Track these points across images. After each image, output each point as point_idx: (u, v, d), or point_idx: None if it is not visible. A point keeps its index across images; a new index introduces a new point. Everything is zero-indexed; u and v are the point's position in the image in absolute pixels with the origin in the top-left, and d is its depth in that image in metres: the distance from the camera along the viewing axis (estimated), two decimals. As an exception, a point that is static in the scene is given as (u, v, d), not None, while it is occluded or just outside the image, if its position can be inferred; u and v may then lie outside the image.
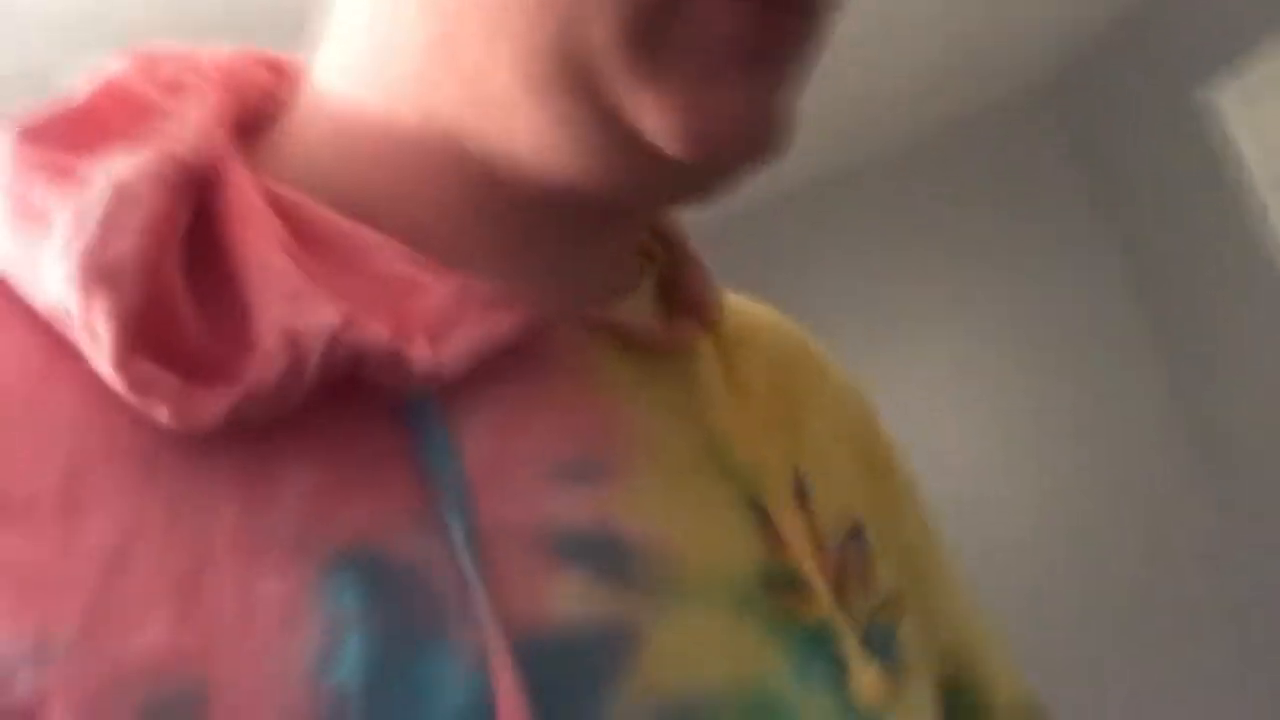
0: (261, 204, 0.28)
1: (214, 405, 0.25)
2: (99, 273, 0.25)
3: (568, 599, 0.28)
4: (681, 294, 0.38)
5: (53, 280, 0.25)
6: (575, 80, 0.28)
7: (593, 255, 0.34)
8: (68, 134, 0.28)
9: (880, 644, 0.37)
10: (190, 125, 0.29)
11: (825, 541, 0.37)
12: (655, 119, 0.28)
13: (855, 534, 0.39)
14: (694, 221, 3.39)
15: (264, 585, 0.25)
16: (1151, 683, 3.10)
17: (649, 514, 0.31)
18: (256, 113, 0.34)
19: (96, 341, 0.25)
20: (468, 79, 0.29)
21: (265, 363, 0.25)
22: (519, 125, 0.29)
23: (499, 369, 0.30)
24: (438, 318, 0.28)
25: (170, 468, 0.25)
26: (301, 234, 0.29)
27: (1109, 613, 3.17)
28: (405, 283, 0.29)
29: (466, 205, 0.31)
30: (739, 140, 0.29)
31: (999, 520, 3.28)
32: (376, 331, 0.27)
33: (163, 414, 0.25)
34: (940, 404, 3.36)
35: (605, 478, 0.31)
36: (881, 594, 0.39)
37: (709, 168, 0.30)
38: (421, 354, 0.27)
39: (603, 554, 0.29)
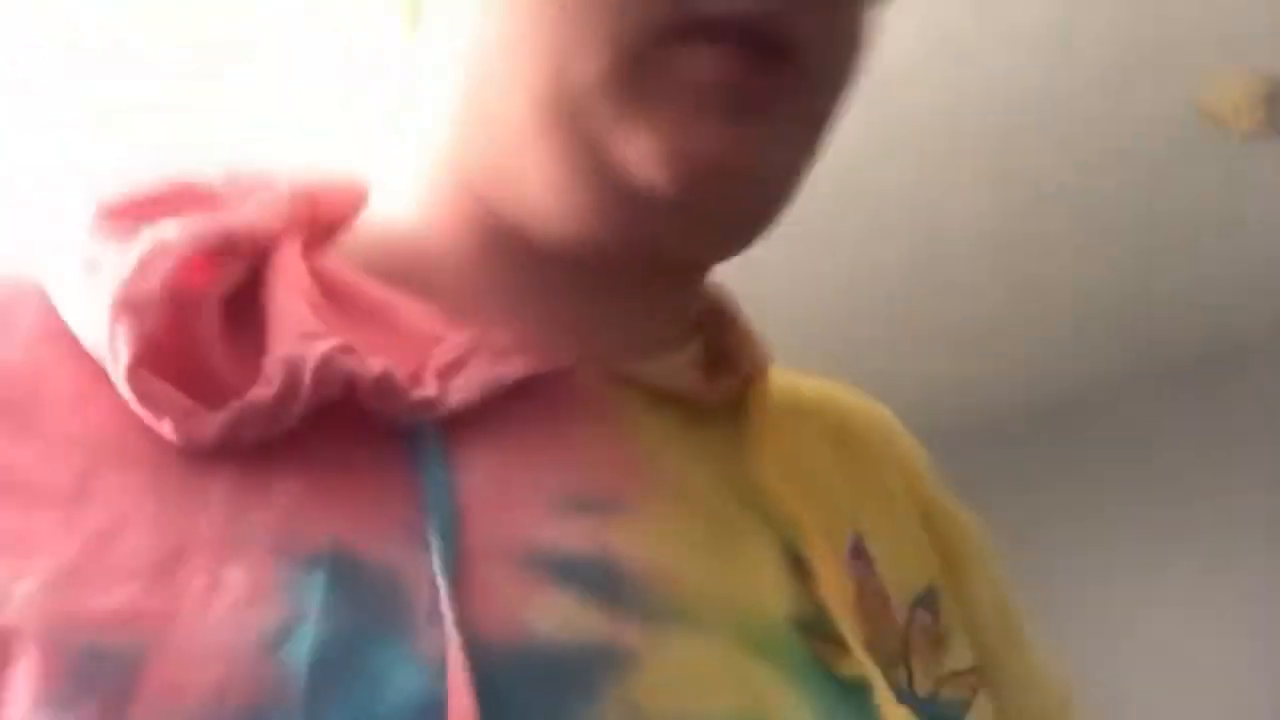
0: (302, 270, 0.33)
1: (213, 422, 0.29)
2: (125, 304, 0.30)
3: (550, 616, 0.29)
4: (726, 358, 0.40)
5: (96, 312, 0.30)
6: (571, 117, 0.31)
7: (617, 310, 0.36)
8: (136, 209, 0.33)
9: (945, 716, 0.37)
10: (247, 209, 0.34)
11: (890, 604, 0.38)
12: (637, 153, 0.31)
13: (925, 601, 0.40)
14: (943, 430, 3.02)
15: (234, 573, 0.27)
16: None
17: (657, 546, 0.32)
18: (334, 218, 0.39)
19: (116, 361, 0.29)
20: (492, 129, 0.33)
21: (263, 385, 0.29)
22: (529, 165, 0.32)
23: (514, 411, 0.33)
24: (450, 360, 0.32)
25: (175, 474, 0.29)
26: (336, 297, 0.34)
27: None
28: (427, 335, 0.33)
29: (491, 264, 0.35)
30: (717, 180, 0.31)
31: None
32: (371, 361, 0.30)
33: (167, 427, 0.29)
34: (1192, 618, 3.06)
35: (612, 511, 0.32)
36: (953, 665, 0.39)
37: (691, 209, 0.31)
38: (423, 386, 0.31)
39: (596, 577, 0.30)
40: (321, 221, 0.38)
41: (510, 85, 0.33)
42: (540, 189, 0.33)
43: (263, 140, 1.37)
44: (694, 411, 0.37)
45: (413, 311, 0.34)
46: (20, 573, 0.27)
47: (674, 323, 0.39)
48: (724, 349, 0.40)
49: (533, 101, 0.32)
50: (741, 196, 0.32)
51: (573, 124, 0.31)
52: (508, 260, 0.35)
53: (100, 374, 0.31)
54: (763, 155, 0.31)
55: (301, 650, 0.26)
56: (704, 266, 0.36)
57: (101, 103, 1.33)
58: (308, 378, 0.29)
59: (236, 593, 0.27)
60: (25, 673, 0.26)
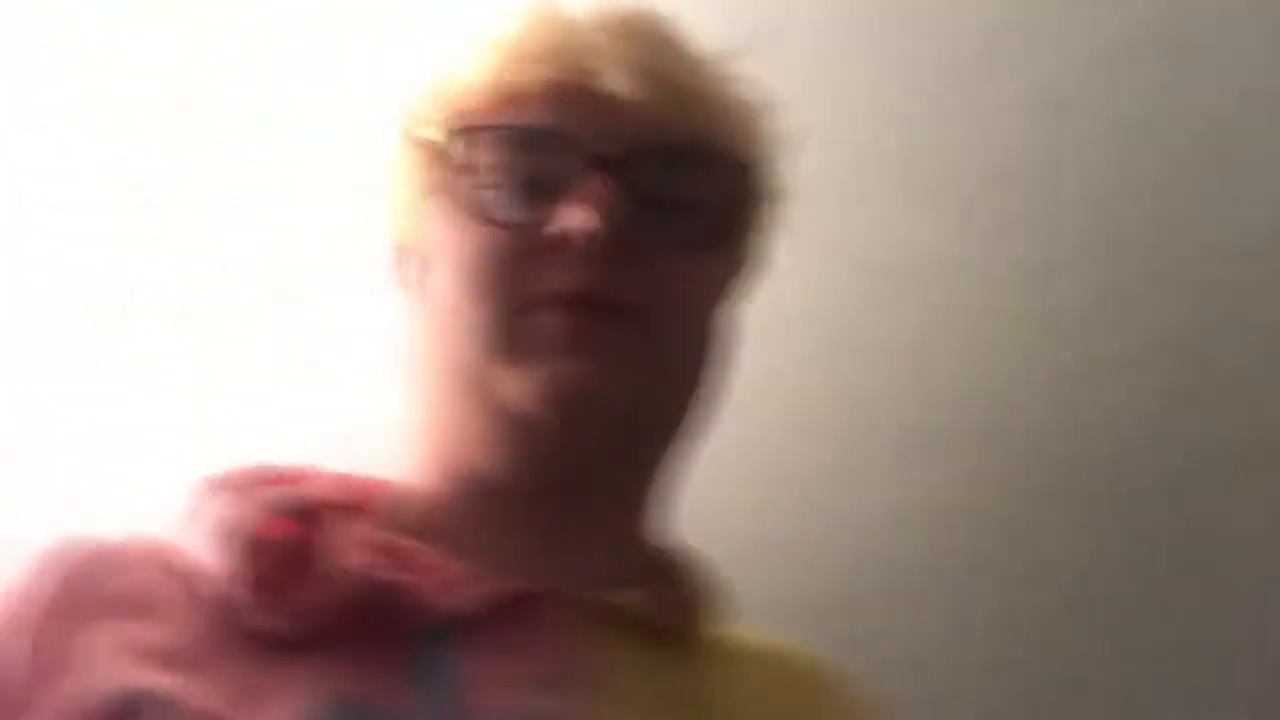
0: (347, 526, 0.48)
1: (280, 613, 0.44)
2: (230, 536, 0.46)
3: None
4: (680, 594, 0.52)
5: (210, 542, 0.47)
6: (471, 378, 0.48)
7: (570, 539, 0.49)
8: (237, 482, 0.50)
9: None
10: (311, 486, 0.51)
11: None
12: (513, 391, 0.46)
13: None
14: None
15: (278, 705, 0.42)
16: None
17: (612, 716, 0.44)
18: (370, 495, 0.53)
19: (220, 572, 0.46)
20: (446, 417, 0.51)
21: (320, 587, 0.45)
22: (459, 418, 0.49)
23: (500, 620, 0.45)
24: (449, 582, 0.45)
25: (254, 645, 0.44)
26: (369, 545, 0.47)
27: None
28: (434, 567, 0.46)
29: (472, 510, 0.50)
30: (570, 399, 0.45)
31: None
32: (396, 574, 0.45)
33: (253, 617, 0.45)
34: None
35: (578, 691, 0.44)
36: None
37: (556, 426, 0.46)
38: (431, 597, 0.45)
39: None
40: (362, 497, 0.53)
41: (438, 367, 0.50)
42: (466, 433, 0.49)
43: (263, 140, 1.37)
44: (651, 636, 0.49)
45: (423, 552, 0.47)
46: (153, 683, 0.42)
47: (629, 557, 0.52)
48: (680, 588, 0.53)
49: (450, 374, 0.49)
50: (590, 411, 0.46)
51: (472, 383, 0.48)
52: (481, 504, 0.50)
53: (194, 587, 0.46)
54: (603, 381, 0.45)
55: None
56: (602, 484, 0.49)
57: (101, 103, 1.33)
58: (350, 582, 0.44)
59: (286, 713, 0.41)
60: None
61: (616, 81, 0.47)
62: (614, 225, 0.44)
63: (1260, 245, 1.38)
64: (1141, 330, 1.46)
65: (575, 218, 0.44)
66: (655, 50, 0.49)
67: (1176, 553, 1.63)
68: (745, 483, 1.52)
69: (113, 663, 0.43)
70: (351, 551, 0.46)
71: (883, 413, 1.52)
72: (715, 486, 1.42)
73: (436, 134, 0.50)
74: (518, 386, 0.46)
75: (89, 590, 0.46)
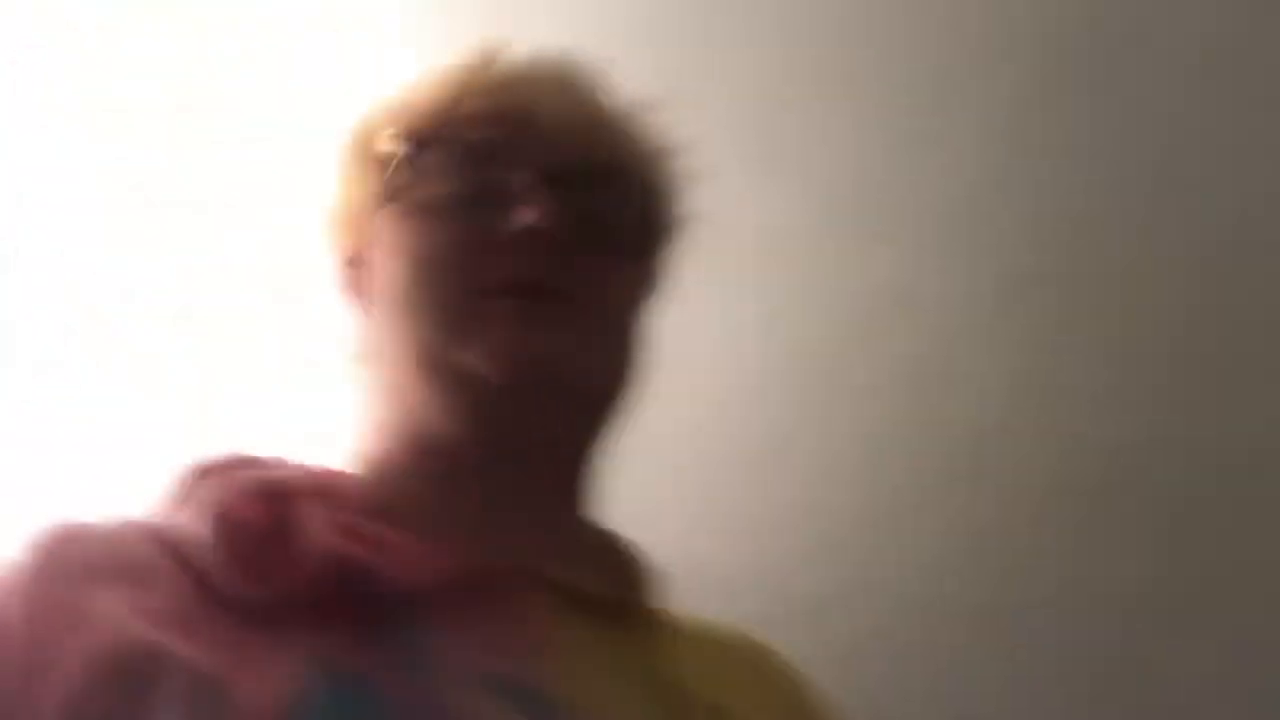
0: (316, 509, 0.52)
1: (262, 587, 0.48)
2: (207, 515, 0.51)
3: (495, 717, 0.46)
4: (624, 577, 0.59)
5: (196, 522, 0.51)
6: (433, 355, 0.54)
7: (525, 512, 0.56)
8: (218, 468, 0.57)
9: None
10: (283, 471, 0.57)
11: None
12: (473, 359, 0.52)
13: None
14: None
15: (275, 670, 0.46)
16: None
17: (576, 687, 0.48)
18: (339, 483, 0.59)
19: (209, 552, 0.50)
20: (405, 397, 0.57)
21: (293, 565, 0.49)
22: (421, 391, 0.55)
23: (462, 595, 0.49)
24: (414, 560, 0.50)
25: (240, 616, 0.48)
26: (339, 524, 0.51)
27: None
28: (399, 546, 0.51)
29: (432, 487, 0.56)
30: (525, 366, 0.52)
31: None
32: (363, 553, 0.49)
33: (236, 590, 0.48)
34: None
35: (541, 659, 0.49)
36: None
37: (513, 389, 0.52)
38: (398, 574, 0.49)
39: (530, 699, 0.47)
40: (330, 484, 0.58)
41: (395, 353, 0.56)
42: (426, 407, 0.55)
43: (263, 140, 1.36)
44: (602, 609, 0.54)
45: (387, 533, 0.51)
46: (166, 639, 0.45)
47: (573, 533, 0.59)
48: (624, 565, 0.60)
49: (408, 357, 0.55)
50: (544, 375, 0.52)
51: (434, 358, 0.54)
52: (439, 476, 0.56)
53: (181, 559, 0.50)
54: (554, 350, 0.53)
55: (313, 713, 0.44)
56: (546, 453, 0.56)
57: (101, 103, 1.33)
58: (320, 558, 0.48)
59: (274, 679, 0.45)
60: (168, 691, 0.44)
61: (551, 113, 0.58)
62: (554, 228, 0.53)
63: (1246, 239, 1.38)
64: (1126, 346, 1.45)
65: (526, 216, 0.52)
66: (582, 93, 0.62)
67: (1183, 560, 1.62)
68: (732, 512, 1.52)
69: (123, 621, 0.46)
70: (321, 532, 0.50)
71: (872, 450, 1.52)
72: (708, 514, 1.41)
73: (392, 147, 0.59)
74: (475, 357, 0.52)
75: (85, 560, 0.49)
